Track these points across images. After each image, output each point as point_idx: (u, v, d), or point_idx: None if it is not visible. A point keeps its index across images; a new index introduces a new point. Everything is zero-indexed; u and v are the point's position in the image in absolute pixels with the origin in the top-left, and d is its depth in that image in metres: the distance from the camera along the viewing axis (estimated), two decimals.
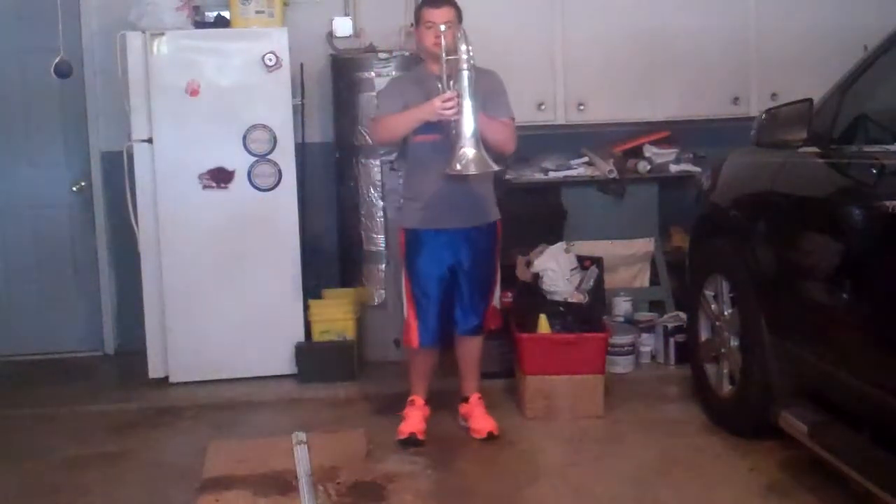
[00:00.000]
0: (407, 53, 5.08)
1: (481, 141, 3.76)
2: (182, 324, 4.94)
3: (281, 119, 4.95)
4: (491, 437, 4.07)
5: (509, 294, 4.62)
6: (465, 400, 4.22)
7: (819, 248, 3.44)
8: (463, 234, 4.04)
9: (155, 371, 4.99)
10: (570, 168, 5.30)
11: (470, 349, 4.22)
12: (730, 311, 4.00)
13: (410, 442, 4.03)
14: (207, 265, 4.94)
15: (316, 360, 4.94)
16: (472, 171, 3.74)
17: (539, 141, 5.43)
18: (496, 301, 4.35)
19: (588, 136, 5.44)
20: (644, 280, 5.40)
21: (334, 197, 5.45)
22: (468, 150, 3.70)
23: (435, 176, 3.93)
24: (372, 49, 5.26)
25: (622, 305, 5.17)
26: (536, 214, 5.18)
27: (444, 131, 3.85)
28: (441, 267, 4.06)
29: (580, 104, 5.27)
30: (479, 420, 4.14)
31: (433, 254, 4.05)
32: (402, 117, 3.94)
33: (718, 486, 3.55)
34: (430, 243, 4.05)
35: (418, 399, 4.17)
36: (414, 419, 4.11)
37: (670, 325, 4.98)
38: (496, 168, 3.84)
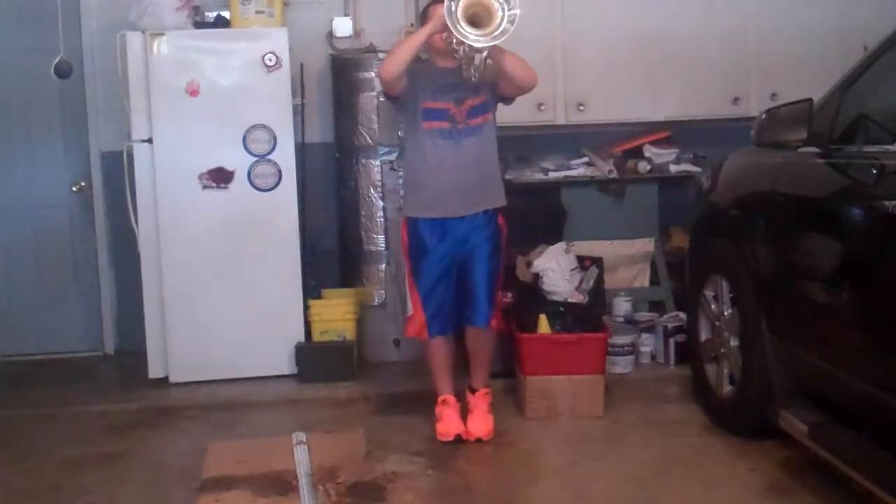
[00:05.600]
0: None
1: (503, 75, 3.87)
2: (182, 324, 4.93)
3: (281, 119, 4.94)
4: (480, 442, 4.05)
5: (509, 294, 4.61)
6: (473, 391, 4.18)
7: (819, 248, 3.44)
8: (469, 221, 4.02)
9: (155, 371, 4.99)
10: (570, 168, 5.30)
11: (479, 341, 4.16)
12: (730, 311, 3.99)
13: (458, 442, 4.00)
14: (207, 265, 4.94)
15: (316, 360, 4.94)
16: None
17: (539, 141, 5.45)
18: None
19: (588, 136, 5.44)
20: (644, 280, 5.39)
21: (334, 197, 5.45)
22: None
23: (442, 163, 3.96)
24: (372, 49, 5.25)
25: (622, 305, 5.17)
26: (536, 214, 5.18)
27: (454, 119, 3.95)
28: (446, 258, 4.03)
29: (580, 104, 5.27)
30: (477, 421, 4.09)
31: (438, 244, 4.02)
32: (409, 38, 3.99)
33: (718, 486, 3.55)
34: (435, 233, 4.02)
35: (449, 398, 4.12)
36: (451, 419, 4.08)
37: (670, 325, 4.98)
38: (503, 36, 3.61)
